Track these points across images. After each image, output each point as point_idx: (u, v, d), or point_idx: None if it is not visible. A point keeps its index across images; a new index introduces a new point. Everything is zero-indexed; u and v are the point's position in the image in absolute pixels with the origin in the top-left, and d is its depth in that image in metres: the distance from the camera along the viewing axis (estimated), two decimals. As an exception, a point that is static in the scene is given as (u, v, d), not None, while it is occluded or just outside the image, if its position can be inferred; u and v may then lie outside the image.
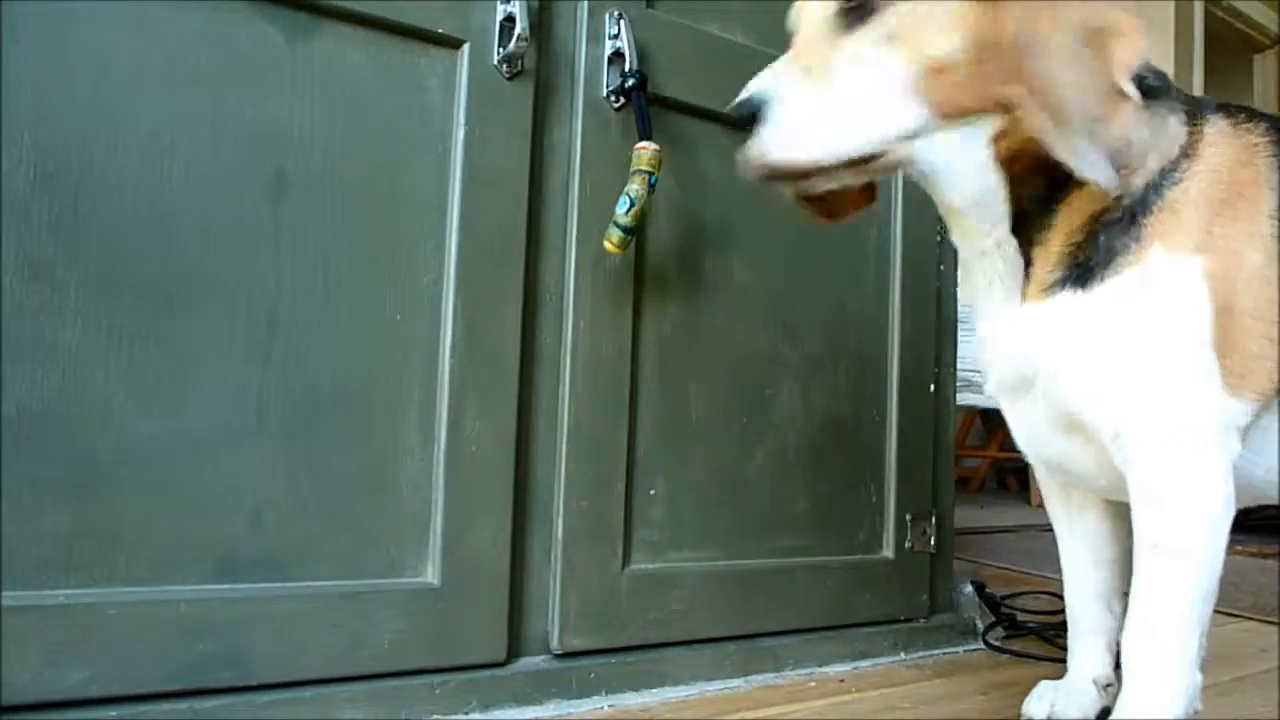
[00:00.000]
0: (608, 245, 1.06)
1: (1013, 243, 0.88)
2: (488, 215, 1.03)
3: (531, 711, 1.02)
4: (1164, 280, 0.80)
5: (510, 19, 1.02)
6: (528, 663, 1.06)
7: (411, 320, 0.99)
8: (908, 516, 1.40)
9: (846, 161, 0.81)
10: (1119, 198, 0.82)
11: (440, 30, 1.00)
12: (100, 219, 0.83)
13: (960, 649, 1.40)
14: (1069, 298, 0.84)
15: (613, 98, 1.12)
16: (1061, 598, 1.11)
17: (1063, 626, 1.48)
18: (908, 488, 1.40)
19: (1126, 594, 1.07)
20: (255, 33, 0.91)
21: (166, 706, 0.84)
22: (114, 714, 0.81)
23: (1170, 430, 0.82)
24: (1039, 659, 1.34)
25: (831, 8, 0.82)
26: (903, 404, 1.40)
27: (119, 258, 0.84)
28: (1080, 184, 0.81)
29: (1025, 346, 0.87)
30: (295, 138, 0.93)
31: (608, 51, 1.12)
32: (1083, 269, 0.83)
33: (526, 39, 1.02)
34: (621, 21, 1.11)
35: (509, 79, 1.05)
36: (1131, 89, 0.76)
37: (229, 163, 0.89)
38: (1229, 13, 4.35)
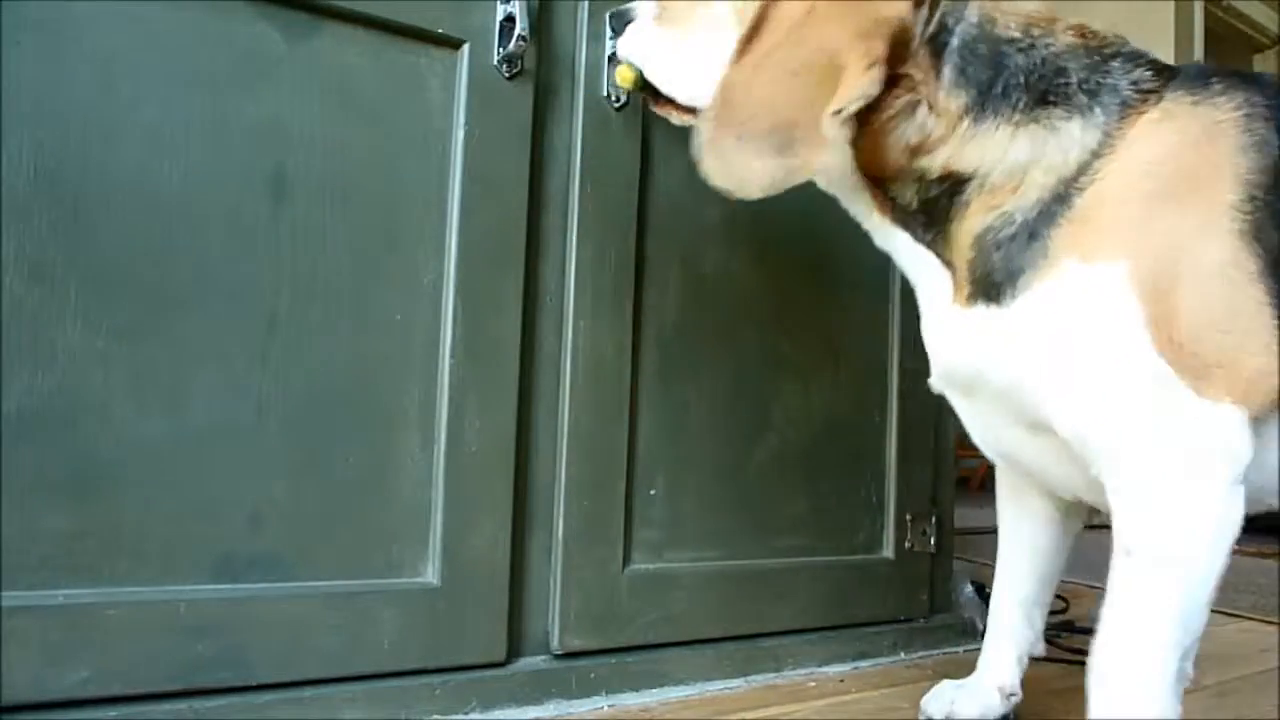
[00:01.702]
0: (623, 75, 0.97)
1: (914, 246, 0.86)
2: (488, 215, 1.03)
3: (531, 711, 1.02)
4: (1081, 293, 0.75)
5: (510, 19, 1.02)
6: (528, 663, 1.06)
7: (411, 320, 0.99)
8: (908, 516, 1.40)
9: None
10: (1009, 214, 0.77)
11: (440, 30, 1.00)
12: (100, 219, 0.83)
13: (960, 649, 1.40)
14: (985, 311, 0.80)
15: (613, 98, 1.12)
16: (1062, 598, 1.11)
17: (1063, 627, 1.48)
18: (908, 488, 1.40)
19: (1052, 610, 1.02)
20: (255, 33, 0.91)
21: (166, 706, 0.84)
22: (114, 714, 0.81)
23: (1140, 437, 0.75)
24: (1037, 659, 1.34)
25: None
26: (903, 404, 1.40)
27: (119, 258, 0.84)
28: (974, 197, 0.79)
29: (957, 350, 0.85)
30: (295, 138, 0.93)
31: (608, 51, 1.12)
32: (989, 284, 0.79)
33: (526, 39, 1.02)
34: (621, 21, 1.11)
35: (509, 79, 1.05)
36: (832, 130, 0.75)
37: (229, 163, 0.89)
38: (1229, 13, 4.35)
